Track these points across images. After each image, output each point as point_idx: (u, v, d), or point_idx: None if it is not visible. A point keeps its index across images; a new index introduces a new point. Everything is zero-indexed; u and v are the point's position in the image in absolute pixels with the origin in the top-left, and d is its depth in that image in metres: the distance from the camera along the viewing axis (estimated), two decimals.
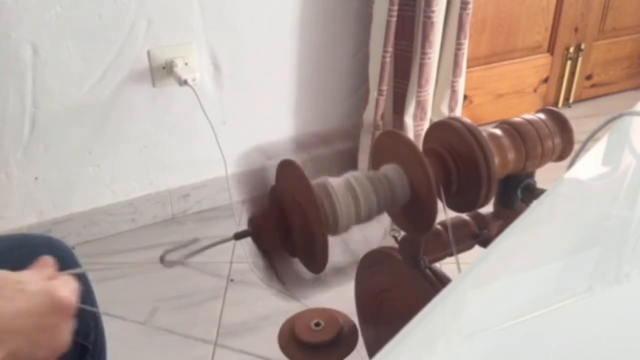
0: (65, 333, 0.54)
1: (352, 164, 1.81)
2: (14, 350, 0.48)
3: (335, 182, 0.71)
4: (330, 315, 0.91)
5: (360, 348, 0.93)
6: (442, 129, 0.78)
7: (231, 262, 1.60)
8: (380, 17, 1.63)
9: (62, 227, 1.63)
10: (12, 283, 0.51)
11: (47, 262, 0.58)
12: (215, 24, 1.58)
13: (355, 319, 0.98)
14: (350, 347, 0.89)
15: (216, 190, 1.79)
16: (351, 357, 0.90)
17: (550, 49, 2.27)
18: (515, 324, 0.45)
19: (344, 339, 0.89)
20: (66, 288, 0.55)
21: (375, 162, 0.79)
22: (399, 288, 0.90)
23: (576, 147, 0.79)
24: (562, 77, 2.34)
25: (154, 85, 1.58)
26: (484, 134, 0.76)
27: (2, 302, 0.49)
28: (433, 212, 0.72)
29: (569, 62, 2.31)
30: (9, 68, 1.41)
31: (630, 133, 0.73)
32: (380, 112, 1.73)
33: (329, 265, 0.69)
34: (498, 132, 0.81)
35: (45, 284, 0.53)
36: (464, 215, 0.89)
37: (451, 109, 1.78)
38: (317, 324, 0.89)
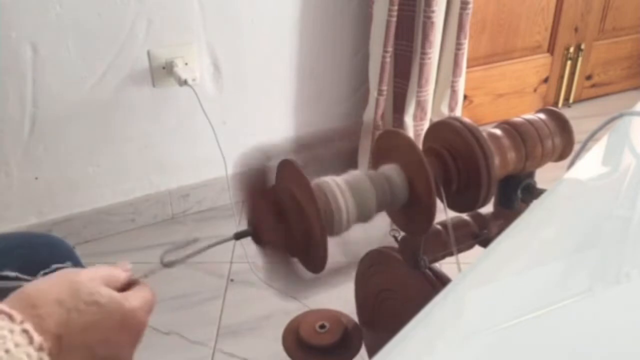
0: (131, 350, 0.51)
1: (352, 164, 1.81)
2: None
3: (335, 182, 0.71)
4: (333, 316, 0.91)
5: (361, 348, 0.93)
6: (442, 129, 0.78)
7: (231, 262, 1.60)
8: (380, 17, 1.63)
9: (62, 227, 1.63)
10: (86, 294, 0.48)
11: (125, 266, 0.56)
12: (215, 24, 1.58)
13: (355, 318, 0.98)
14: (356, 348, 0.89)
15: (216, 190, 1.79)
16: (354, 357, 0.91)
17: (550, 49, 2.27)
18: (515, 324, 0.45)
19: (348, 341, 0.89)
20: (139, 301, 0.52)
21: (375, 161, 0.79)
22: (399, 288, 0.90)
23: (576, 147, 0.79)
24: (562, 77, 2.34)
25: (154, 85, 1.58)
26: (484, 134, 0.76)
27: (74, 314, 0.47)
28: (433, 212, 0.72)
29: (569, 62, 2.31)
30: (9, 68, 1.41)
31: (630, 133, 0.73)
32: (380, 112, 1.73)
33: (328, 265, 0.69)
34: (498, 132, 0.81)
35: (118, 298, 0.50)
36: (464, 215, 0.89)
37: (451, 109, 1.78)
38: (322, 326, 0.89)
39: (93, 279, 0.51)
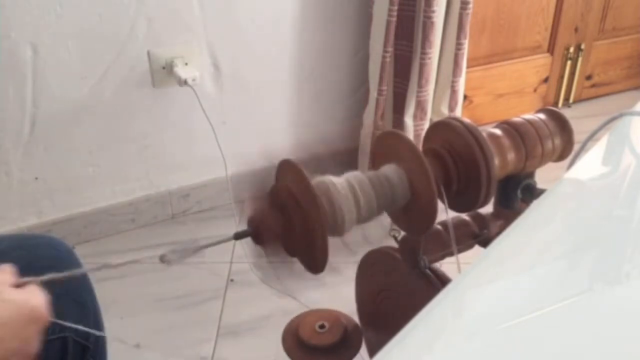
0: (37, 341, 0.55)
1: (352, 164, 1.81)
2: None
3: (336, 182, 0.71)
4: (333, 316, 0.91)
5: (361, 348, 0.93)
6: (442, 129, 0.78)
7: (231, 262, 1.60)
8: (380, 17, 1.63)
9: (62, 227, 1.63)
10: None
11: (6, 269, 0.59)
12: (215, 24, 1.58)
13: (355, 318, 0.98)
14: (355, 347, 0.89)
15: (216, 190, 1.79)
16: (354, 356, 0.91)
17: (550, 49, 2.27)
18: (515, 324, 0.45)
19: (348, 341, 0.89)
20: (40, 296, 0.56)
21: (376, 162, 0.79)
22: (399, 288, 0.90)
23: (576, 147, 0.79)
24: (562, 77, 2.34)
25: (154, 85, 1.58)
26: (484, 134, 0.76)
27: None
28: (433, 212, 0.72)
29: (569, 62, 2.31)
30: (9, 68, 1.41)
31: (630, 133, 0.73)
32: (380, 112, 1.73)
33: (329, 266, 0.69)
34: (498, 132, 0.81)
35: (25, 295, 0.54)
36: (464, 215, 0.89)
37: (451, 109, 1.78)
38: (322, 326, 0.89)
39: None
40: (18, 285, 0.57)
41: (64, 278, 0.64)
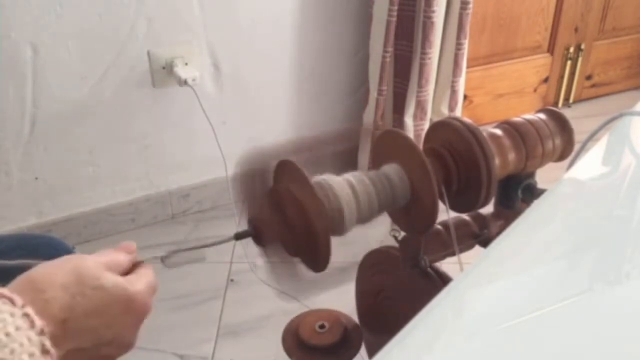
0: (134, 333, 0.52)
1: (352, 164, 1.81)
2: (79, 347, 0.47)
3: (336, 182, 0.71)
4: (333, 316, 0.91)
5: (361, 348, 0.93)
6: (442, 129, 0.78)
7: (231, 262, 1.60)
8: (380, 17, 1.63)
9: (62, 227, 1.63)
10: (90, 278, 0.49)
11: (129, 247, 0.56)
12: (215, 24, 1.58)
13: (355, 318, 0.98)
14: (355, 348, 0.89)
15: (216, 190, 1.79)
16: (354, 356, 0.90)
17: (550, 49, 2.27)
18: (515, 324, 0.45)
19: (348, 341, 0.89)
20: (143, 285, 0.53)
21: (376, 161, 0.79)
22: (399, 288, 0.90)
23: (576, 147, 0.79)
24: (562, 77, 2.34)
25: (154, 85, 1.58)
26: (484, 134, 0.76)
27: (79, 298, 0.47)
28: (433, 212, 0.72)
29: (569, 62, 2.31)
30: (9, 68, 1.41)
31: (630, 133, 0.73)
32: (380, 112, 1.73)
33: (329, 266, 0.69)
34: (498, 132, 0.81)
35: (122, 282, 0.51)
36: (464, 215, 0.89)
37: (451, 109, 1.78)
38: (322, 326, 0.89)
39: (98, 264, 0.51)
40: (130, 270, 0.54)
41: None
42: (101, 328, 0.49)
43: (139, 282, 0.53)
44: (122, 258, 0.55)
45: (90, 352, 0.49)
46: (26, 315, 0.44)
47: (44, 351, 0.44)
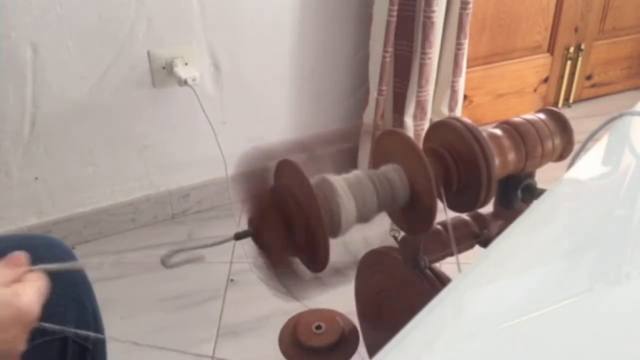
0: (22, 342, 0.53)
1: (352, 164, 1.81)
2: None
3: (335, 182, 0.71)
4: (330, 316, 0.91)
5: (360, 348, 0.93)
6: (442, 129, 0.78)
7: (231, 262, 1.60)
8: (380, 17, 1.63)
9: (62, 227, 1.63)
10: None
11: (18, 260, 0.57)
12: (215, 24, 1.58)
13: (355, 319, 0.98)
14: (352, 349, 0.89)
15: (216, 190, 1.79)
16: (351, 357, 0.90)
17: (550, 49, 2.27)
18: (515, 324, 0.45)
19: (345, 342, 0.89)
20: (30, 294, 0.53)
21: (376, 161, 0.79)
22: (399, 288, 0.90)
23: (576, 147, 0.79)
24: (562, 77, 2.34)
25: (154, 85, 1.58)
26: (484, 134, 0.76)
27: None
28: (433, 212, 0.72)
29: (569, 62, 2.31)
30: (9, 68, 1.41)
31: (630, 133, 0.73)
32: (380, 112, 1.73)
33: (329, 266, 0.69)
34: (498, 132, 0.81)
35: (8, 293, 0.51)
36: (464, 215, 0.89)
37: (451, 109, 1.78)
38: (318, 327, 0.89)
39: None
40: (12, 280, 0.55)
41: (62, 270, 0.61)
42: None
43: (24, 292, 0.53)
44: (7, 271, 0.55)
45: None
46: None
47: None
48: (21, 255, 0.58)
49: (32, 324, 0.53)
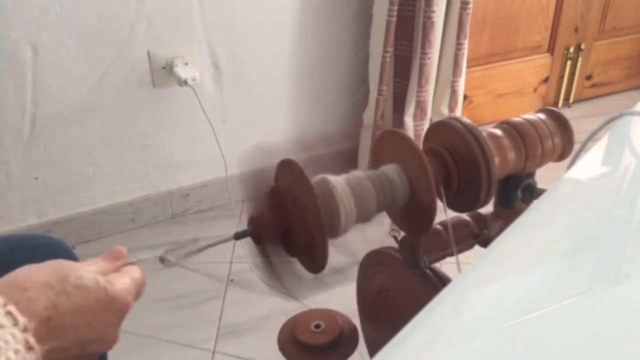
0: (116, 330, 0.53)
1: (352, 164, 1.81)
2: (61, 345, 0.48)
3: (335, 182, 0.71)
4: (329, 316, 0.91)
5: (361, 347, 0.93)
6: (442, 129, 0.78)
7: (231, 262, 1.60)
8: (380, 17, 1.63)
9: (62, 227, 1.63)
10: (73, 277, 0.50)
11: (118, 253, 0.58)
12: (215, 24, 1.58)
13: (355, 319, 0.98)
14: (350, 348, 0.89)
15: (216, 190, 1.79)
16: (352, 357, 0.90)
17: (550, 49, 2.27)
18: (515, 324, 0.45)
19: (344, 341, 0.89)
20: (125, 284, 0.54)
21: (376, 161, 0.79)
22: (399, 288, 0.90)
23: (576, 147, 0.79)
24: (562, 77, 2.34)
25: (154, 85, 1.58)
26: (484, 134, 0.76)
27: (62, 297, 0.48)
28: (433, 212, 0.72)
29: (569, 62, 2.31)
30: (9, 68, 1.41)
31: (630, 133, 0.73)
32: (380, 112, 1.73)
33: (329, 266, 0.69)
34: (498, 132, 0.81)
35: (104, 281, 0.52)
36: (464, 215, 0.89)
37: (451, 109, 1.78)
38: (317, 326, 0.89)
39: (81, 266, 0.53)
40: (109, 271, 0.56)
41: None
42: (84, 326, 0.49)
43: (118, 280, 0.54)
44: (104, 264, 0.56)
45: (73, 350, 0.49)
46: (9, 313, 0.44)
47: (29, 347, 0.44)
48: (121, 249, 0.59)
49: (124, 314, 0.54)
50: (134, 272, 0.57)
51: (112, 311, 0.52)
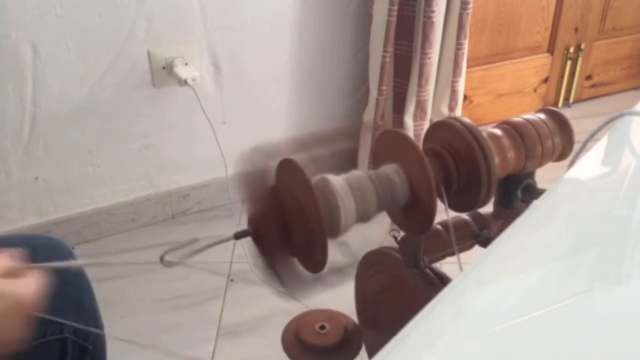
0: (22, 333, 0.54)
1: (352, 164, 1.81)
2: None
3: (335, 182, 0.71)
4: (333, 317, 0.91)
5: (361, 349, 0.93)
6: (442, 129, 0.78)
7: (231, 262, 1.60)
8: (380, 17, 1.63)
9: (62, 227, 1.63)
10: None
11: (16, 256, 0.58)
12: (215, 24, 1.58)
13: (355, 319, 0.98)
14: (356, 349, 0.89)
15: (216, 190, 1.79)
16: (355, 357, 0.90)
17: (550, 49, 2.27)
18: (515, 324, 0.45)
19: (349, 342, 0.89)
20: (29, 284, 0.55)
21: (376, 161, 0.79)
22: (399, 288, 0.90)
23: (576, 147, 0.79)
24: (562, 77, 2.34)
25: (154, 85, 1.58)
26: (484, 134, 0.76)
27: None
28: (433, 212, 0.72)
29: (569, 62, 2.31)
30: (9, 68, 1.41)
31: (630, 133, 0.73)
32: (380, 112, 1.73)
33: (329, 266, 0.69)
34: (498, 132, 0.81)
35: (9, 285, 0.53)
36: (464, 215, 0.89)
37: (451, 109, 1.78)
38: (322, 327, 0.89)
39: None
40: (12, 273, 0.56)
41: (62, 268, 0.62)
42: None
43: (26, 285, 0.55)
44: (7, 264, 0.57)
45: None
46: None
47: None
48: (22, 252, 0.59)
49: (31, 314, 0.54)
50: (37, 275, 0.57)
51: (19, 314, 0.53)
